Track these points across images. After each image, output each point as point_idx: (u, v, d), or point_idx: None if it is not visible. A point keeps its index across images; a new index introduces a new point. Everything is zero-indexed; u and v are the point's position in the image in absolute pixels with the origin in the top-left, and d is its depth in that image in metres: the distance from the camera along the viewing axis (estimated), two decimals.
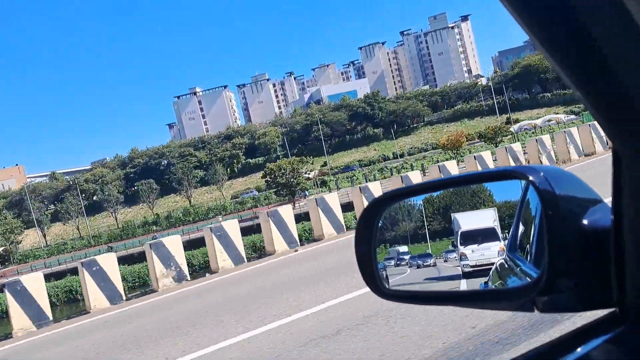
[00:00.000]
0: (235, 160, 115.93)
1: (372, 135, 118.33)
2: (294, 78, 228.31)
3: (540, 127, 62.84)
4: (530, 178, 0.89)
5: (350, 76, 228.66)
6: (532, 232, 0.96)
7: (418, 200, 1.25)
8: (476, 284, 1.14)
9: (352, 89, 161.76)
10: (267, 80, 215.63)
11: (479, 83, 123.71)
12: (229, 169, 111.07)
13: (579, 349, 0.78)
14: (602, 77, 0.67)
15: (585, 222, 0.81)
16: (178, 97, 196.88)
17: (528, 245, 0.97)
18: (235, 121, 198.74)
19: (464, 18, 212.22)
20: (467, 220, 1.16)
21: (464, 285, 1.15)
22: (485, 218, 1.11)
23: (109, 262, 13.19)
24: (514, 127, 74.71)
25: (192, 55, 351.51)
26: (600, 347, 0.77)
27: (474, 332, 4.56)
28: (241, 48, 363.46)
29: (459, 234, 1.17)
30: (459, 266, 1.16)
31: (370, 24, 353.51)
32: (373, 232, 1.22)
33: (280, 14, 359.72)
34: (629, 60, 0.64)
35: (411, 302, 1.25)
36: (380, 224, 1.26)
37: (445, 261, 1.18)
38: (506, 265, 1.08)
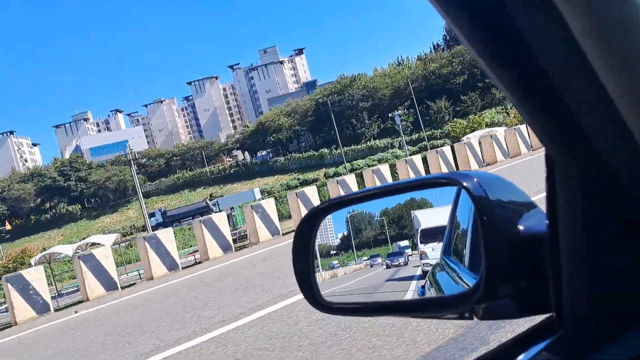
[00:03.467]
0: None
1: (66, 215, 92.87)
2: (128, 115, 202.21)
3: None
4: (464, 184, 0.88)
5: (189, 112, 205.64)
6: (466, 238, 0.94)
7: (376, 212, 1.20)
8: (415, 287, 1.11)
9: (121, 139, 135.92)
10: (86, 120, 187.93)
11: (214, 143, 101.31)
12: None
13: (519, 358, 0.78)
14: (535, 81, 0.67)
15: (521, 227, 0.81)
16: None
17: (463, 250, 0.97)
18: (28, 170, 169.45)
19: (299, 52, 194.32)
20: (427, 218, 1.11)
21: (413, 287, 1.11)
22: (445, 215, 1.06)
23: None
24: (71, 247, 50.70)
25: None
26: (539, 354, 0.77)
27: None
28: (66, 82, 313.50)
29: (419, 231, 1.12)
30: (419, 265, 1.11)
31: (218, 55, 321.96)
32: (310, 244, 1.18)
33: (120, 45, 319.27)
34: (561, 63, 0.64)
35: (351, 315, 1.20)
36: (349, 232, 1.24)
37: (421, 259, 1.12)
38: (441, 269, 1.06)
